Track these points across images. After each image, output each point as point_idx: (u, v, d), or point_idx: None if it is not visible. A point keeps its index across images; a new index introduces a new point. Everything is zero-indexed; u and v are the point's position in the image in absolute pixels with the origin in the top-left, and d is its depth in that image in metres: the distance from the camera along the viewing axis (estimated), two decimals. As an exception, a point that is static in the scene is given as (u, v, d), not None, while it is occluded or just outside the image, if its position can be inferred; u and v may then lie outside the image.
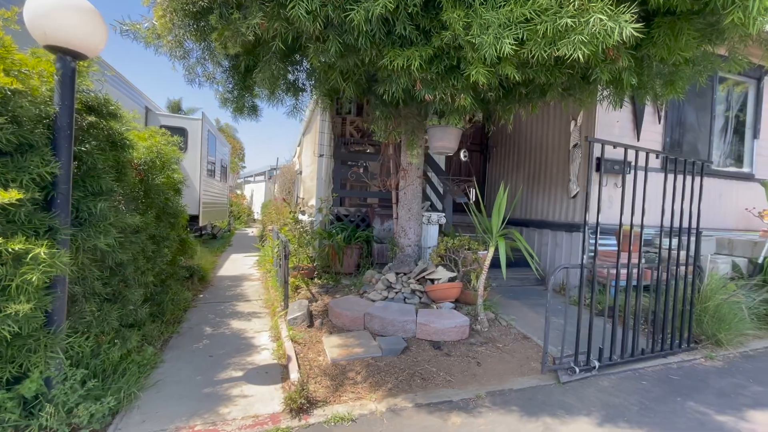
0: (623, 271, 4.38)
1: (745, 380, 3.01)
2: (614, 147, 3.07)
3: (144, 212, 3.41)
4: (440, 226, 5.12)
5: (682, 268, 3.73)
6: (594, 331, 3.13)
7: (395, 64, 2.46)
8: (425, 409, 2.43)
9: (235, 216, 16.62)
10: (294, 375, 2.63)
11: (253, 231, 15.22)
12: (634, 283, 4.01)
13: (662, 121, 5.20)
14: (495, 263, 4.58)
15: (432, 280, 3.96)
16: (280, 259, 4.63)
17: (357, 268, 5.32)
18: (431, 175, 6.05)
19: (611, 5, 2.01)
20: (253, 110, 4.77)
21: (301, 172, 9.83)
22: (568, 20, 2.00)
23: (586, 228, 3.06)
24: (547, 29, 2.05)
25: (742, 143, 5.97)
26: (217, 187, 10.28)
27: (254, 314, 4.25)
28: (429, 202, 5.88)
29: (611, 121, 4.97)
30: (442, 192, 5.54)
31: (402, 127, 3.70)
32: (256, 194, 24.39)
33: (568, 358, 2.93)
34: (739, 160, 5.98)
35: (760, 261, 4.38)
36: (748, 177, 5.82)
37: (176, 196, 4.52)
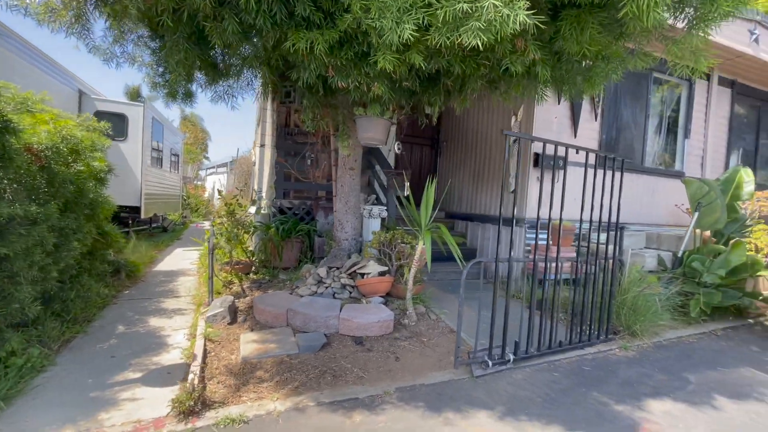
0: (552, 265, 4.50)
1: (651, 369, 3.13)
2: (531, 141, 3.07)
3: (46, 202, 3.12)
4: (383, 219, 5.05)
5: (607, 261, 3.83)
6: (518, 325, 3.17)
7: (298, 48, 2.33)
8: (328, 408, 2.35)
9: (193, 208, 15.97)
10: (190, 375, 2.48)
11: (210, 224, 14.67)
12: (564, 276, 4.12)
13: (599, 118, 5.34)
14: (441, 257, 4.58)
15: (363, 275, 3.88)
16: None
17: (298, 263, 5.18)
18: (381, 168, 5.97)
19: (507, -8, 1.96)
20: (188, 96, 4.49)
21: (255, 163, 9.51)
22: (465, 5, 1.93)
23: (514, 222, 3.07)
24: (447, 15, 1.98)
25: (675, 142, 6.24)
26: (165, 177, 9.79)
27: (178, 311, 4.03)
28: (374, 196, 5.81)
29: (549, 118, 5.05)
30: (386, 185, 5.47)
31: (329, 117, 3.58)
32: (219, 186, 23.56)
33: (482, 352, 2.94)
34: (671, 159, 6.26)
35: (679, 255, 4.58)
36: (679, 175, 6.09)
37: (99, 185, 4.21)
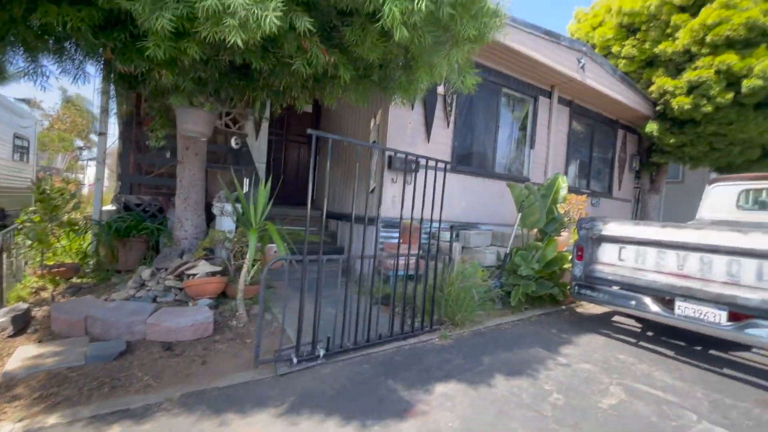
0: (400, 262, 4.75)
1: (455, 355, 3.43)
2: (345, 142, 3.16)
3: None
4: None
5: (436, 257, 4.13)
6: (354, 320, 3.23)
7: (47, 22, 2.07)
8: (83, 423, 2.13)
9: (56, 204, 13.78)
10: None
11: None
12: (408, 273, 4.35)
13: (451, 126, 5.78)
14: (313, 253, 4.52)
15: (192, 275, 3.66)
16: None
17: (140, 265, 4.71)
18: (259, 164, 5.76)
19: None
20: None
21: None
22: (213, 1, 1.88)
23: (366, 221, 3.12)
24: (205, 9, 1.91)
25: (523, 151, 7.05)
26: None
27: (-43, 324, 3.38)
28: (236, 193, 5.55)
29: (404, 123, 5.33)
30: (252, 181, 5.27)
31: (148, 105, 3.30)
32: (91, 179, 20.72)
33: (289, 350, 2.95)
34: (520, 166, 7.05)
35: (507, 251, 5.17)
36: (525, 180, 6.89)
37: None
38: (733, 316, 3.22)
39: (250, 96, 3.36)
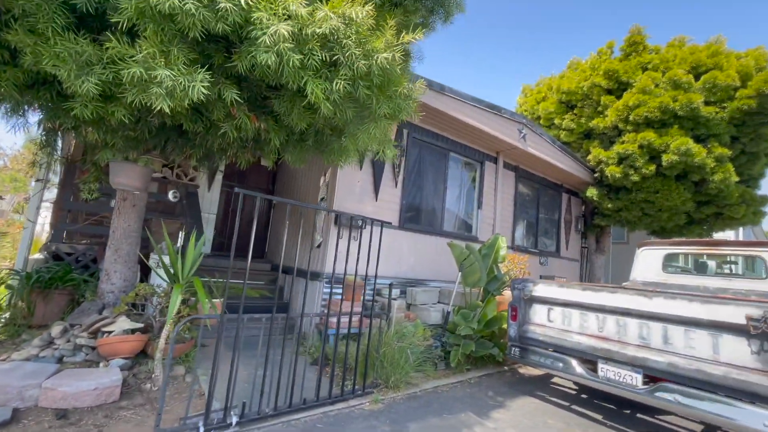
0: (334, 320, 4.69)
1: (382, 422, 3.31)
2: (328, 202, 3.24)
3: None
4: None
5: (372, 317, 4.11)
6: (271, 382, 3.08)
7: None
8: None
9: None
10: None
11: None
12: (350, 331, 4.27)
13: (399, 185, 6.05)
14: (256, 310, 4.36)
15: (109, 333, 3.45)
16: None
17: (63, 319, 4.40)
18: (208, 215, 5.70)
19: (185, 65, 2.11)
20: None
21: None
22: (139, 70, 2.01)
23: (308, 276, 3.09)
24: (129, 77, 2.03)
25: (471, 211, 7.39)
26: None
27: None
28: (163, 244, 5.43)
29: (353, 181, 5.54)
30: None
31: (82, 158, 3.31)
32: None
33: (197, 417, 2.76)
34: (468, 225, 7.35)
35: (449, 310, 5.22)
36: (474, 239, 7.15)
37: None
38: (649, 379, 3.33)
39: (188, 152, 3.46)
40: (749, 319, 2.79)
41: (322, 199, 5.53)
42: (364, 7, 2.23)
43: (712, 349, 2.99)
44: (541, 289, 4.23)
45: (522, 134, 7.33)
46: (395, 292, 5.39)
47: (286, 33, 1.95)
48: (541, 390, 4.53)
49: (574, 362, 3.77)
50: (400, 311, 5.22)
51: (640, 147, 7.71)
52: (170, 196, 4.40)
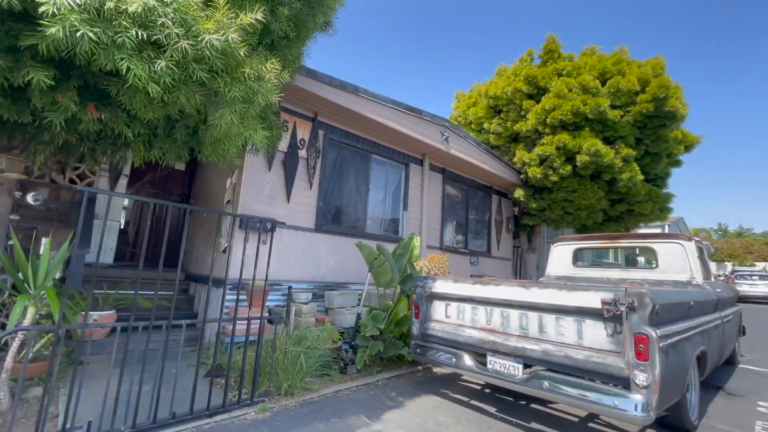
0: (239, 327, 4.46)
1: None
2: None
3: None
4: (58, 281, 4.29)
5: (262, 322, 3.92)
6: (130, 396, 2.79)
7: None
8: None
9: None
10: None
11: None
12: (244, 338, 4.04)
13: (315, 187, 5.93)
14: (156, 320, 4.00)
15: (-57, 354, 3.03)
16: None
17: None
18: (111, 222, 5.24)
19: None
20: None
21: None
22: None
23: (211, 282, 2.82)
24: None
25: (397, 212, 7.40)
26: None
27: None
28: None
29: (262, 183, 5.35)
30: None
31: None
32: None
33: (23, 442, 2.46)
34: (395, 227, 7.35)
35: (360, 311, 5.13)
36: (400, 240, 7.14)
37: None
38: (529, 369, 3.39)
39: (33, 149, 3.13)
40: (603, 302, 2.90)
41: (227, 201, 5.29)
42: (185, -14, 2.11)
43: (577, 334, 3.09)
44: (439, 286, 4.24)
45: (444, 136, 7.47)
46: (307, 296, 5.23)
47: (67, 3, 1.78)
48: (447, 388, 4.52)
49: (466, 356, 3.79)
50: (310, 315, 5.07)
51: (557, 148, 8.11)
52: (30, 199, 4.00)
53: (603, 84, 8.01)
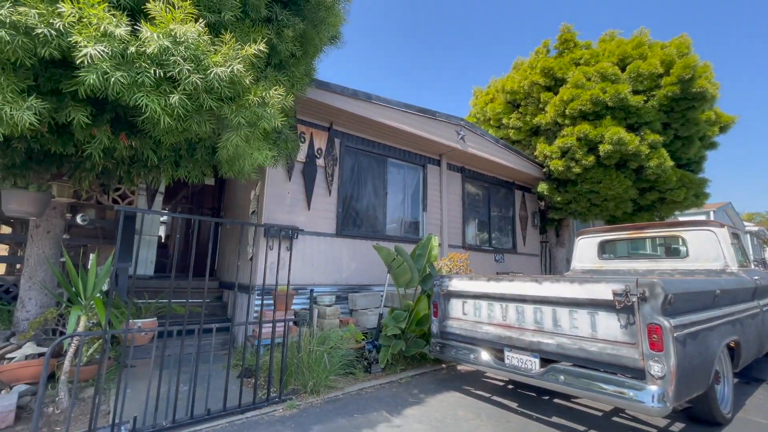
0: (269, 330, 4.72)
1: (286, 427, 3.33)
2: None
3: None
4: (105, 293, 4.75)
5: (287, 324, 4.15)
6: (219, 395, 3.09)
7: None
8: None
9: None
10: None
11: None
12: (270, 341, 4.29)
13: (334, 193, 6.15)
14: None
15: (12, 359, 3.46)
16: None
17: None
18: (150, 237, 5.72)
19: (14, 92, 2.20)
20: None
21: None
22: None
23: (236, 288, 3.14)
24: None
25: (417, 214, 7.50)
26: None
27: None
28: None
29: (283, 193, 5.63)
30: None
31: None
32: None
33: (80, 435, 2.78)
34: (415, 228, 7.45)
35: (381, 312, 5.27)
36: (419, 241, 7.24)
37: None
38: (546, 363, 3.40)
39: (79, 175, 3.53)
40: (615, 294, 2.89)
41: (252, 212, 5.61)
42: (195, 25, 2.36)
43: (591, 327, 3.08)
44: (455, 284, 4.32)
45: (460, 135, 7.51)
46: (331, 299, 5.44)
47: (99, 54, 2.06)
48: (469, 384, 4.57)
49: (484, 352, 3.84)
50: (334, 317, 5.27)
51: (578, 139, 7.93)
52: (79, 219, 4.45)
53: (623, 70, 7.76)
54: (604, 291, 2.99)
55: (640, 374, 2.76)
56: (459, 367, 5.32)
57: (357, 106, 5.95)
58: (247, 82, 2.64)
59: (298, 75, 3.83)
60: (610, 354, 2.92)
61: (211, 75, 2.41)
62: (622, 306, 2.85)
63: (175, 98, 2.39)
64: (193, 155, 3.49)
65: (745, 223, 34.80)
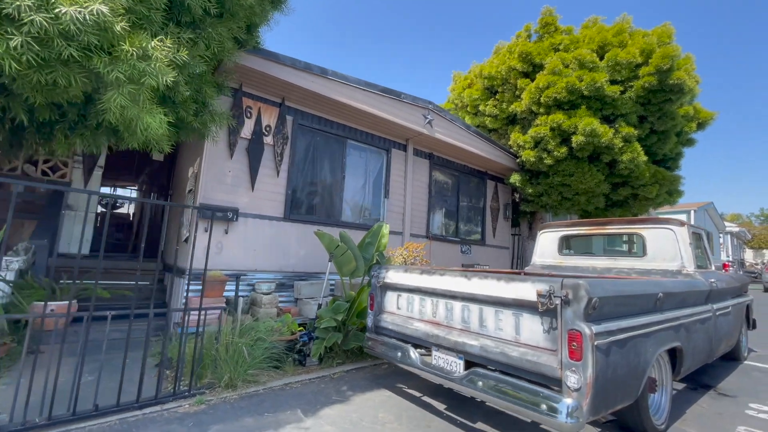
0: (193, 318, 4.39)
1: (185, 426, 3.03)
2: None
3: None
4: (21, 271, 4.38)
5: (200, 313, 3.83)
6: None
7: None
8: None
9: None
10: None
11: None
12: (196, 329, 3.97)
13: (283, 175, 5.76)
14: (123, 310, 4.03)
15: None
16: None
17: None
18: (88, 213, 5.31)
19: None
20: None
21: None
22: None
23: (174, 272, 2.78)
24: None
25: (378, 201, 7.16)
26: None
27: None
28: (28, 245, 5.06)
29: (224, 171, 5.23)
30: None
31: None
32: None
33: None
34: (375, 215, 7.12)
35: (320, 302, 4.97)
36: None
37: None
38: (470, 365, 3.13)
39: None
40: (539, 295, 2.61)
41: (189, 191, 5.22)
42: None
43: (515, 330, 2.81)
44: (392, 276, 4.02)
45: (427, 120, 7.13)
46: (270, 286, 5.11)
47: None
48: (404, 382, 4.32)
49: (412, 351, 3.57)
50: (271, 306, 4.96)
51: (552, 129, 7.60)
52: None
53: (602, 58, 7.39)
54: (529, 291, 2.70)
55: (558, 384, 2.50)
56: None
57: (310, 81, 5.53)
58: (119, 29, 2.24)
59: (217, 37, 3.40)
60: (530, 361, 2.65)
61: (66, 16, 2.00)
62: (545, 309, 2.57)
63: (17, 41, 1.99)
64: (85, 121, 3.08)
65: (727, 224, 35.20)
